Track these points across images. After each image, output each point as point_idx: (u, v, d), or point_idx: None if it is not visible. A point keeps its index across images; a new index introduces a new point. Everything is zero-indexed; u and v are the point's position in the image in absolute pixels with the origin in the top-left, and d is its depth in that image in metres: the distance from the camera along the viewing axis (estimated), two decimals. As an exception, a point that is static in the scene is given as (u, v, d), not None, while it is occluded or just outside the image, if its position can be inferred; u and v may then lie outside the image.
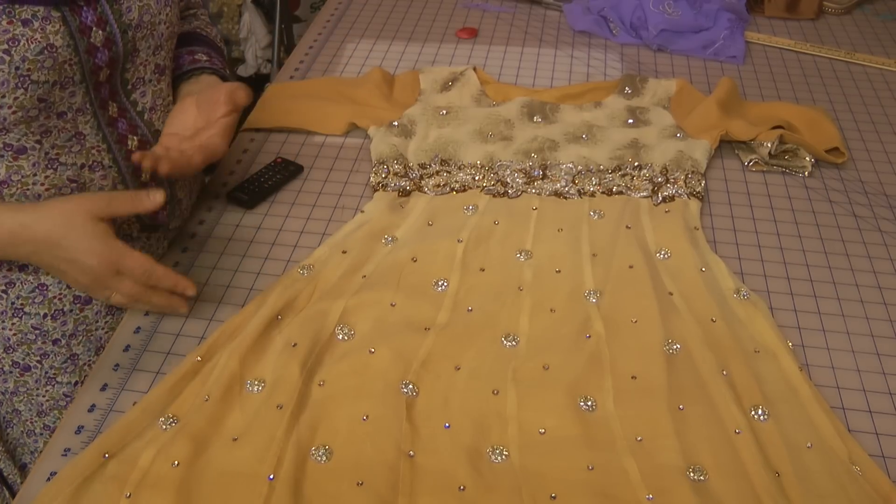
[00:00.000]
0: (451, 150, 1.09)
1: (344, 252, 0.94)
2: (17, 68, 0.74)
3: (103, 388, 0.81)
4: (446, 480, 0.71)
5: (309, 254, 0.95)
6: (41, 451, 0.78)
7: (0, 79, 0.74)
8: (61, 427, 0.77)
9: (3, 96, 0.75)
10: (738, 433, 0.74)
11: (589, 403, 0.77)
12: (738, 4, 1.46)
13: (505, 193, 1.04)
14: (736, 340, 0.83)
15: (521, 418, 0.76)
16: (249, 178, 1.07)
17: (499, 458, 0.73)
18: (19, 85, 0.75)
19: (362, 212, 1.01)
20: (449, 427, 0.75)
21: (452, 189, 1.04)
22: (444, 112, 1.16)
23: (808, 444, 0.74)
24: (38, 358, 0.90)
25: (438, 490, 0.70)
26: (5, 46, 0.73)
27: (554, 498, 0.69)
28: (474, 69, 1.26)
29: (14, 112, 0.76)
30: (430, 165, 1.08)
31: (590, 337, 0.83)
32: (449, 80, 1.24)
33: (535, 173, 1.06)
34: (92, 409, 0.79)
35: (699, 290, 0.89)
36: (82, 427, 0.77)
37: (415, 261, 0.92)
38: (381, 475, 0.70)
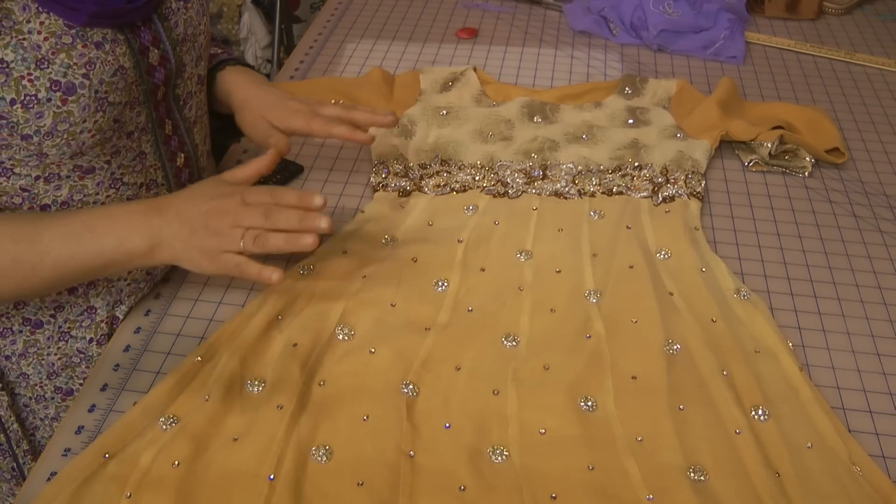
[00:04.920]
0: (451, 151, 1.09)
1: (344, 252, 0.94)
2: (96, 91, 0.74)
3: (103, 388, 0.81)
4: (447, 480, 0.71)
5: (309, 254, 0.95)
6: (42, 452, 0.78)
7: (82, 103, 0.74)
8: (61, 427, 0.77)
9: (85, 121, 0.74)
10: (739, 433, 0.74)
11: (589, 403, 0.77)
12: (738, 4, 1.46)
13: (505, 193, 1.04)
14: (736, 340, 0.83)
15: (522, 418, 0.76)
16: (249, 178, 1.07)
17: (499, 458, 0.73)
18: (98, 108, 0.75)
19: (362, 212, 1.01)
20: (449, 427, 0.75)
21: (452, 189, 1.04)
22: (445, 112, 1.16)
23: (809, 445, 0.74)
24: (81, 381, 0.90)
25: (439, 490, 0.70)
26: (84, 70, 0.73)
27: (554, 498, 0.69)
28: (474, 69, 1.26)
29: (93, 136, 0.76)
30: (430, 165, 1.08)
31: (590, 337, 0.83)
32: (449, 81, 1.24)
33: (536, 173, 1.06)
34: (92, 409, 0.79)
35: (699, 290, 0.89)
36: (82, 427, 0.77)
37: (415, 261, 0.92)
38: (382, 475, 0.70)
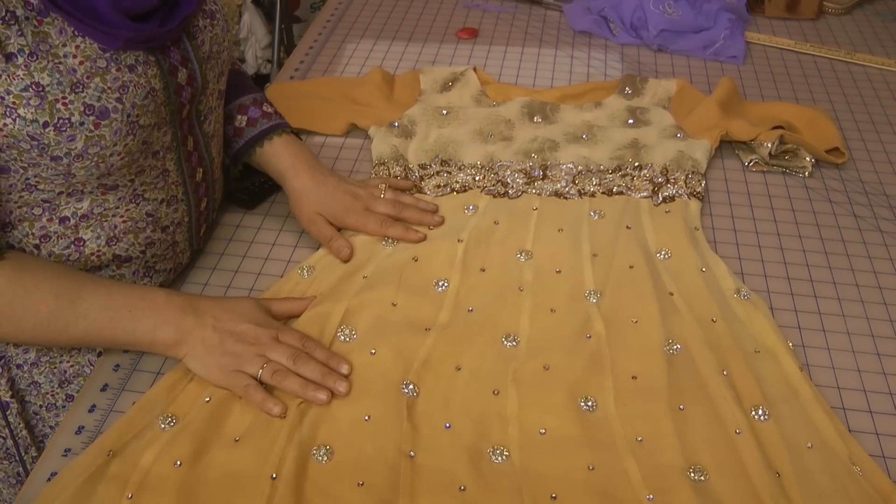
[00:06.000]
0: (451, 151, 1.09)
1: (344, 252, 0.94)
2: (128, 115, 0.74)
3: (104, 388, 0.81)
4: (447, 480, 0.71)
5: (309, 254, 0.95)
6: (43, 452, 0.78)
7: (115, 127, 0.74)
8: (61, 427, 0.77)
9: (115, 144, 0.74)
10: (739, 433, 0.74)
11: (589, 404, 0.77)
12: (738, 4, 1.46)
13: (505, 194, 1.04)
14: (736, 340, 0.83)
15: (522, 418, 0.76)
16: (251, 179, 1.06)
17: (499, 458, 0.73)
18: (129, 131, 0.75)
19: (362, 212, 1.01)
20: (449, 427, 0.75)
21: (453, 189, 1.04)
22: (445, 112, 1.16)
23: (809, 445, 0.74)
24: None
25: (439, 490, 0.70)
26: (117, 94, 0.73)
27: (554, 498, 0.69)
28: (474, 69, 1.26)
29: (122, 158, 0.76)
30: (430, 166, 1.08)
31: (590, 337, 0.83)
32: (449, 81, 1.24)
33: (536, 173, 1.06)
34: (92, 409, 0.79)
35: (699, 290, 0.89)
36: (83, 427, 0.77)
37: (415, 261, 0.92)
38: (382, 475, 0.71)
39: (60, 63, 0.70)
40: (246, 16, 2.36)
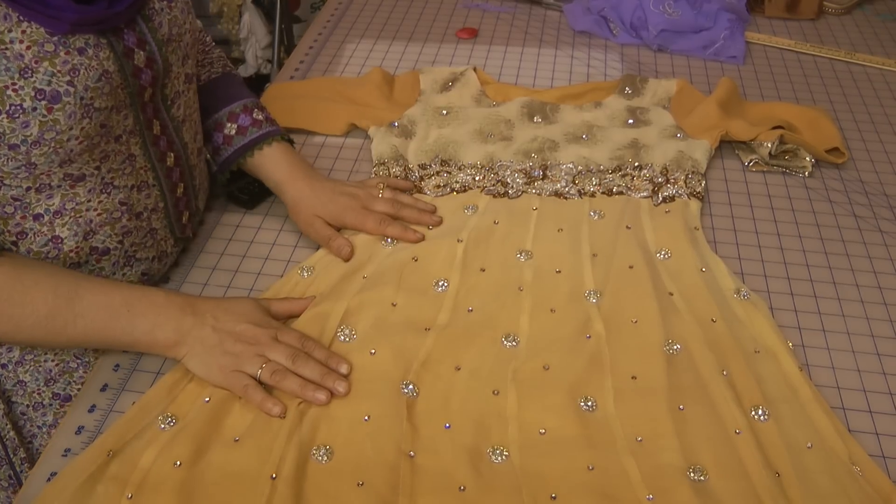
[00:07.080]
0: (451, 151, 1.09)
1: (344, 252, 0.94)
2: (81, 98, 0.74)
3: (103, 388, 0.81)
4: (446, 481, 0.71)
5: (309, 254, 0.95)
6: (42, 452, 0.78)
7: (69, 111, 0.73)
8: (61, 427, 0.77)
9: (71, 128, 0.74)
10: (739, 433, 0.74)
11: (589, 404, 0.77)
12: (738, 4, 1.46)
13: (505, 194, 1.04)
14: (736, 340, 0.83)
15: (522, 418, 0.76)
16: (249, 178, 1.06)
17: (499, 458, 0.73)
18: (84, 114, 0.75)
19: (362, 212, 1.01)
20: (449, 427, 0.75)
21: (453, 189, 1.04)
22: (445, 112, 1.16)
23: (809, 445, 0.74)
24: (79, 386, 0.89)
25: (439, 490, 0.70)
26: (68, 77, 0.73)
27: (554, 498, 0.69)
28: (474, 69, 1.26)
29: (81, 142, 0.76)
30: (430, 166, 1.08)
31: (590, 337, 0.83)
32: (449, 81, 1.24)
33: (536, 173, 1.06)
34: (92, 409, 0.79)
35: (699, 290, 0.89)
36: (82, 427, 0.77)
37: (415, 260, 0.92)
38: (382, 475, 0.71)
39: (7, 49, 0.70)
40: (246, 16, 2.36)
